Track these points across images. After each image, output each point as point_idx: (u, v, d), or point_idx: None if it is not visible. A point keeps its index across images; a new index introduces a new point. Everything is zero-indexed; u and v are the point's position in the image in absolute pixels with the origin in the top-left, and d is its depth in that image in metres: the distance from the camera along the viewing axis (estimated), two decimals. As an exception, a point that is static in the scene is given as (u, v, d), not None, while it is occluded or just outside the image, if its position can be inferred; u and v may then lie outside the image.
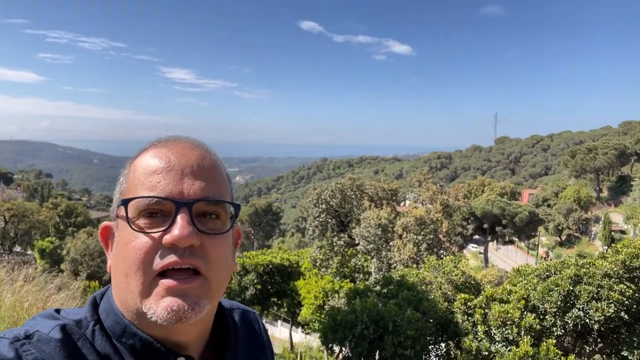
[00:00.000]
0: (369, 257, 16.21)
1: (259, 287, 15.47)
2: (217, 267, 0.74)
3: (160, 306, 0.68)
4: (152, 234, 0.71)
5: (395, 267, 14.29)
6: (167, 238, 0.69)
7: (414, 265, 13.23)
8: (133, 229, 0.71)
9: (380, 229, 14.92)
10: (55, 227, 37.59)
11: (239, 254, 20.72)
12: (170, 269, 0.70)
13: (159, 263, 0.69)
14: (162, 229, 0.71)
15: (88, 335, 0.72)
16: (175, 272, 0.70)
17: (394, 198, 17.19)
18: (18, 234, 27.09)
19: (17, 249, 29.08)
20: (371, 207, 15.96)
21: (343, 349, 8.39)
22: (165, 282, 0.69)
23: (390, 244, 15.15)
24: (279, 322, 24.91)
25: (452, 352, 7.58)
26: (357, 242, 16.04)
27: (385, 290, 9.37)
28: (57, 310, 0.78)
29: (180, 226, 0.69)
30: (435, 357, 8.06)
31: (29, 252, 30.07)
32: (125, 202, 0.73)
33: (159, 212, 0.72)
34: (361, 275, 16.60)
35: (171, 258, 0.69)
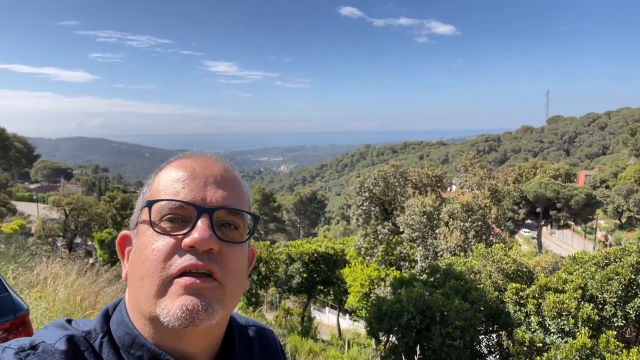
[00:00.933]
0: (414, 245, 15.95)
1: (305, 275, 15.62)
2: (233, 276, 0.74)
3: (175, 304, 0.68)
4: (172, 237, 0.72)
5: (441, 255, 13.99)
6: (187, 241, 0.71)
7: (462, 254, 12.88)
8: (155, 230, 0.73)
9: (425, 216, 14.61)
10: (112, 218, 39.51)
11: (285, 243, 21.02)
12: (188, 272, 0.71)
13: (178, 264, 0.70)
14: (182, 232, 0.72)
15: (96, 347, 0.73)
16: (191, 274, 0.71)
17: (439, 184, 16.76)
18: (78, 227, 28.68)
19: (78, 240, 30.88)
20: (415, 194, 15.65)
21: (390, 337, 8.32)
22: (182, 281, 0.70)
23: (436, 231, 14.82)
24: (327, 309, 25.16)
25: (504, 343, 7.33)
26: (401, 230, 15.80)
27: (431, 279, 9.18)
28: (69, 321, 0.79)
29: (200, 229, 0.71)
30: (486, 347, 7.82)
31: (89, 242, 31.91)
32: (149, 204, 0.75)
33: (180, 217, 0.74)
34: (407, 264, 16.38)
35: (191, 260, 0.70)
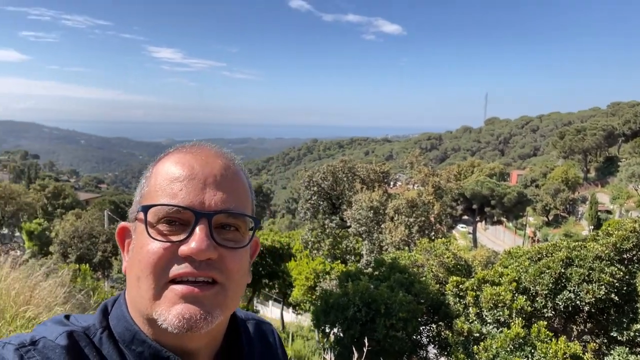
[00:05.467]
0: (361, 239, 16.26)
1: (250, 268, 15.47)
2: (235, 278, 0.73)
3: (171, 313, 0.67)
4: (169, 242, 0.70)
5: (386, 250, 14.36)
6: (184, 250, 0.69)
7: (406, 248, 13.30)
8: (150, 235, 0.71)
9: (372, 211, 14.93)
10: (43, 209, 37.20)
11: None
12: (185, 279, 0.69)
13: (173, 270, 0.69)
14: (180, 238, 0.70)
15: (96, 342, 0.72)
16: (189, 282, 0.69)
17: (385, 180, 17.17)
18: (5, 217, 26.76)
19: (4, 231, 28.77)
20: (363, 189, 15.93)
21: (334, 330, 8.45)
22: (178, 288, 0.68)
23: (382, 226, 15.19)
24: (270, 302, 25.14)
25: (443, 334, 7.65)
26: (348, 224, 16.06)
27: (377, 273, 9.40)
28: (67, 316, 0.78)
29: (198, 239, 0.69)
30: (427, 338, 8.14)
31: (17, 234, 29.79)
32: (145, 209, 0.72)
33: (177, 220, 0.72)
34: (353, 257, 16.68)
35: (186, 268, 0.69)
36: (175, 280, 0.69)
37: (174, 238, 0.70)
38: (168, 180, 0.74)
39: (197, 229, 0.69)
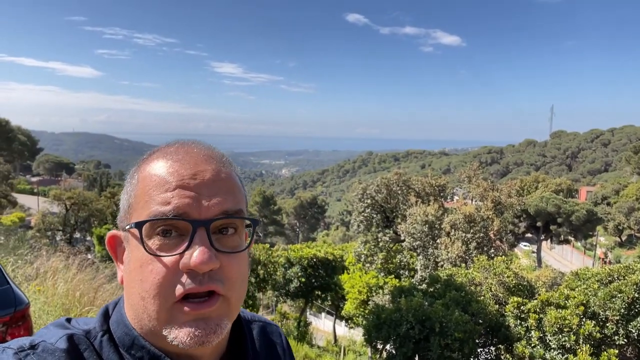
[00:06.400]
0: (415, 254, 15.89)
1: (303, 280, 15.56)
2: (236, 286, 0.72)
3: (182, 332, 0.66)
4: (169, 257, 0.67)
5: (442, 266, 13.92)
6: (186, 263, 0.66)
7: (463, 265, 12.81)
8: (148, 251, 0.68)
9: (427, 225, 14.56)
10: (112, 215, 39.46)
11: (284, 247, 20.92)
12: (191, 296, 0.68)
13: (179, 289, 0.66)
14: (179, 251, 0.67)
15: (96, 346, 0.71)
16: (195, 300, 0.68)
17: (441, 194, 16.72)
18: (78, 222, 28.65)
19: (77, 235, 30.84)
20: (417, 203, 15.61)
21: (387, 347, 8.25)
22: (187, 309, 0.67)
23: (438, 241, 14.77)
24: (323, 314, 25.07)
25: (502, 357, 7.26)
26: (402, 238, 15.75)
27: (431, 290, 9.13)
28: (69, 320, 0.77)
29: (199, 251, 0.66)
30: (484, 361, 7.76)
31: (88, 238, 31.87)
32: (139, 225, 0.68)
33: (173, 229, 0.69)
34: (406, 272, 16.32)
35: (191, 285, 0.66)
36: (182, 300, 0.67)
37: (173, 251, 0.68)
38: (156, 187, 0.70)
39: (197, 238, 0.67)
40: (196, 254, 0.66)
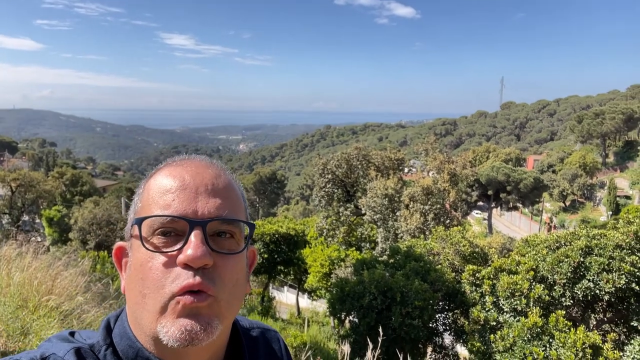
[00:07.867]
0: (376, 227, 16.25)
1: (265, 256, 15.63)
2: (227, 289, 0.73)
3: (174, 325, 0.68)
4: (167, 254, 0.71)
5: (402, 237, 14.35)
6: (181, 258, 0.69)
7: (421, 236, 13.26)
8: (147, 248, 0.72)
9: (386, 198, 14.88)
10: (61, 196, 37.87)
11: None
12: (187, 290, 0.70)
13: (176, 285, 0.69)
14: (176, 248, 0.71)
15: (101, 359, 0.73)
16: (190, 292, 0.70)
17: (400, 167, 17.07)
18: (25, 204, 27.30)
19: (25, 218, 29.41)
20: (377, 176, 15.87)
21: (350, 317, 8.50)
22: (182, 299, 0.69)
23: (397, 213, 15.15)
24: (285, 288, 25.40)
25: (459, 322, 7.66)
26: (363, 212, 16.05)
27: (392, 261, 9.41)
28: (72, 333, 0.79)
29: (193, 246, 0.69)
30: (442, 326, 8.16)
31: (37, 221, 30.45)
32: (139, 221, 0.73)
33: (172, 230, 0.72)
34: (367, 245, 16.70)
35: (187, 280, 0.69)
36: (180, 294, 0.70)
37: (171, 249, 0.71)
38: (160, 193, 0.74)
39: (192, 237, 0.70)
40: (190, 249, 0.69)
